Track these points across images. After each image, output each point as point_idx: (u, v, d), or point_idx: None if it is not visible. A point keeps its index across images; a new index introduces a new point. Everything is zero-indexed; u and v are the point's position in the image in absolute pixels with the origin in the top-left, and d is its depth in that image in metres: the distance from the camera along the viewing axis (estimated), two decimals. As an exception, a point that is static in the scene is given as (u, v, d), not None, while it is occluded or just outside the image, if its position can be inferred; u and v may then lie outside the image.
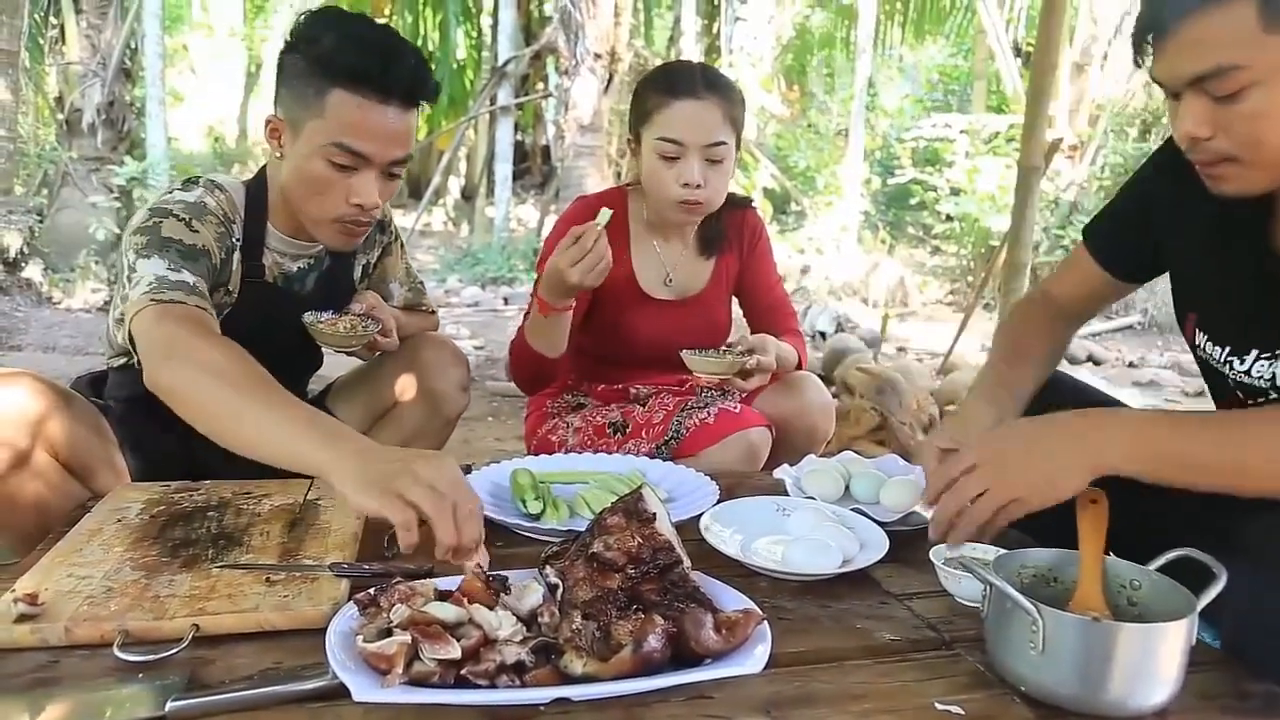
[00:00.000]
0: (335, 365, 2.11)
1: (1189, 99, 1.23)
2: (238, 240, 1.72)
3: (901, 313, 8.60)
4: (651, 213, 2.13)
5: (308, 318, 1.80)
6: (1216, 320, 1.44)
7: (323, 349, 1.94)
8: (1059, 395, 1.54)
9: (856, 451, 1.81)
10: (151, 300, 1.45)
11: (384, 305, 1.92)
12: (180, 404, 1.33)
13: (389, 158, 1.64)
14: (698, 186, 1.97)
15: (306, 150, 1.61)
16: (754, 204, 2.34)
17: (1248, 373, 1.39)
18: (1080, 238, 1.67)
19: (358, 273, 2.00)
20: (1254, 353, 1.37)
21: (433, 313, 2.20)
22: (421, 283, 2.17)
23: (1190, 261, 1.51)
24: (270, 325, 1.71)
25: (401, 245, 2.10)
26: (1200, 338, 1.46)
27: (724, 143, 1.99)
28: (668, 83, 1.99)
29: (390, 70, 1.59)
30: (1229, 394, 1.45)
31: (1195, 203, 1.36)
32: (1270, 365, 1.36)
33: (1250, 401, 1.42)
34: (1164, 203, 1.51)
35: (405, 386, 1.95)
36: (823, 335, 6.92)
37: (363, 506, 1.11)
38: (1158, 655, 1.00)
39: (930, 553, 1.31)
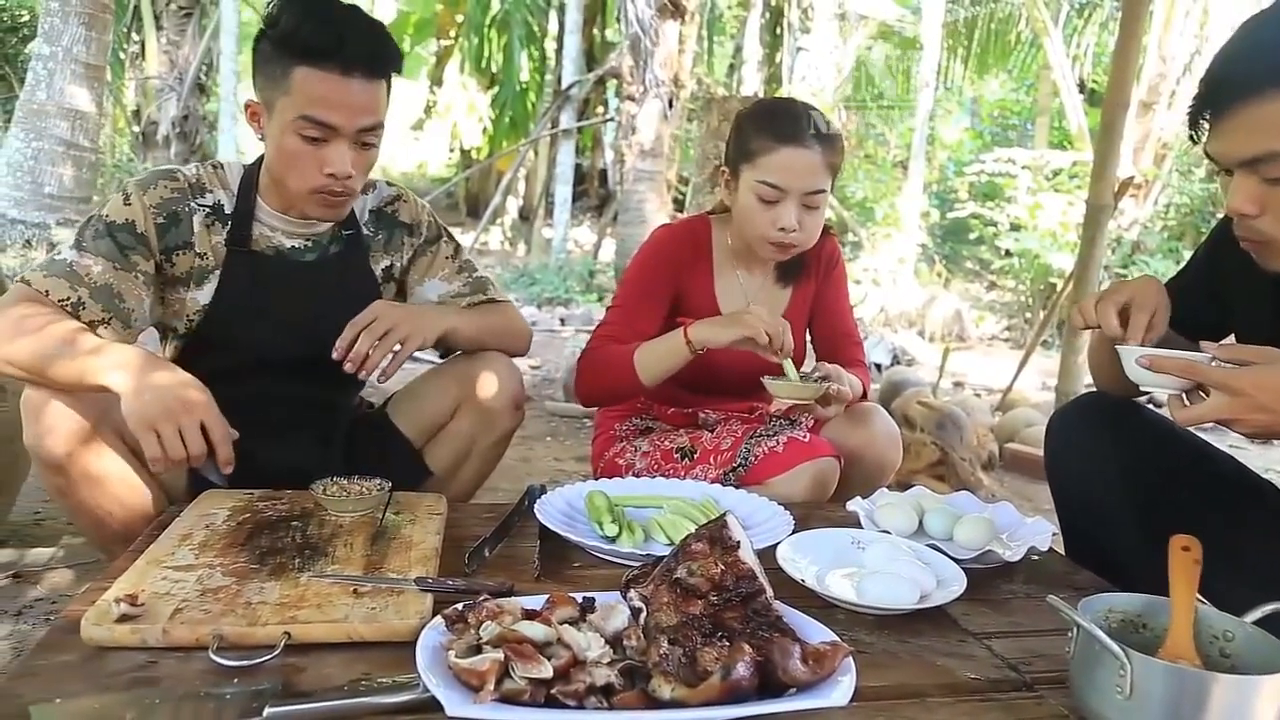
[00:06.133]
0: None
1: (1240, 177, 1.28)
2: (207, 206, 1.79)
3: (958, 347, 8.51)
4: (737, 242, 2.14)
5: (315, 486, 1.56)
6: None
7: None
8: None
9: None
10: (26, 278, 1.64)
11: None
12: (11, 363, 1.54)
13: (357, 126, 1.70)
14: (794, 231, 1.98)
15: (279, 127, 1.69)
16: (833, 231, 2.33)
17: None
18: None
19: (379, 272, 1.99)
20: None
21: (504, 301, 2.11)
22: (483, 278, 2.10)
23: (1251, 328, 1.53)
24: (262, 292, 1.79)
25: (451, 246, 2.07)
26: None
27: (823, 190, 1.99)
28: (776, 127, 1.97)
29: (347, 44, 1.65)
30: None
31: (1258, 272, 1.38)
32: None
33: None
34: (1229, 270, 1.53)
35: (459, 402, 1.97)
36: (879, 367, 6.86)
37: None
38: (1252, 709, 0.97)
39: (1122, 350, 1.42)
